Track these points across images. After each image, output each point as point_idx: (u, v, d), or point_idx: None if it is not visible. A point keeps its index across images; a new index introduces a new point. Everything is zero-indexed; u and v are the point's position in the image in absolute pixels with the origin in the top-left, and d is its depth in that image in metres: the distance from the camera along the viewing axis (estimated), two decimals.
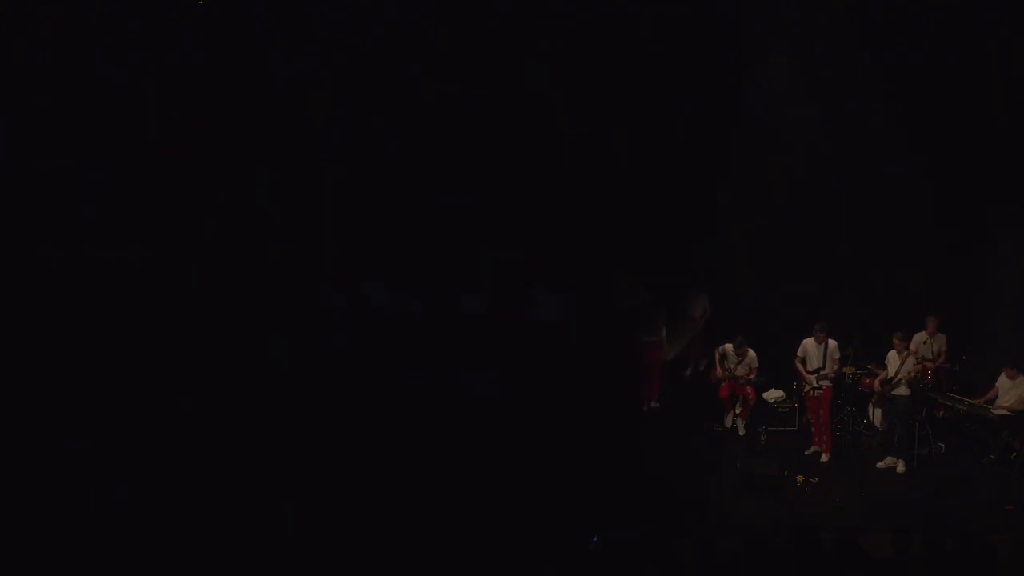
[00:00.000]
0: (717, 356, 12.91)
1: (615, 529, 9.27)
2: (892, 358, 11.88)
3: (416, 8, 13.32)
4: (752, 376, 12.70)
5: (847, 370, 12.56)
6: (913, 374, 11.61)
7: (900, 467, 11.67)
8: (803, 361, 12.25)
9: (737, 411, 12.91)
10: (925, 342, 12.21)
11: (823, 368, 12.05)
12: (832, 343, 12.09)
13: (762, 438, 12.63)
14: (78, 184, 13.04)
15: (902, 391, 11.71)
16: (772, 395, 13.07)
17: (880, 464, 11.81)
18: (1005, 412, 11.50)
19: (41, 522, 9.86)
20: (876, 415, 12.57)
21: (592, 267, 14.60)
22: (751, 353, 12.67)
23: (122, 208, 13.29)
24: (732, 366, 12.74)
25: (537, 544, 9.33)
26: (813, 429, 12.38)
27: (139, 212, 13.38)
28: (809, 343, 12.18)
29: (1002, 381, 11.63)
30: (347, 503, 10.50)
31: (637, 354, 13.35)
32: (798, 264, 14.07)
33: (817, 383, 12.06)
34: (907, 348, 11.84)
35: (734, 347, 12.66)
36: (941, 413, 12.20)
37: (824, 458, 12.09)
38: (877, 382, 12.10)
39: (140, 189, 13.37)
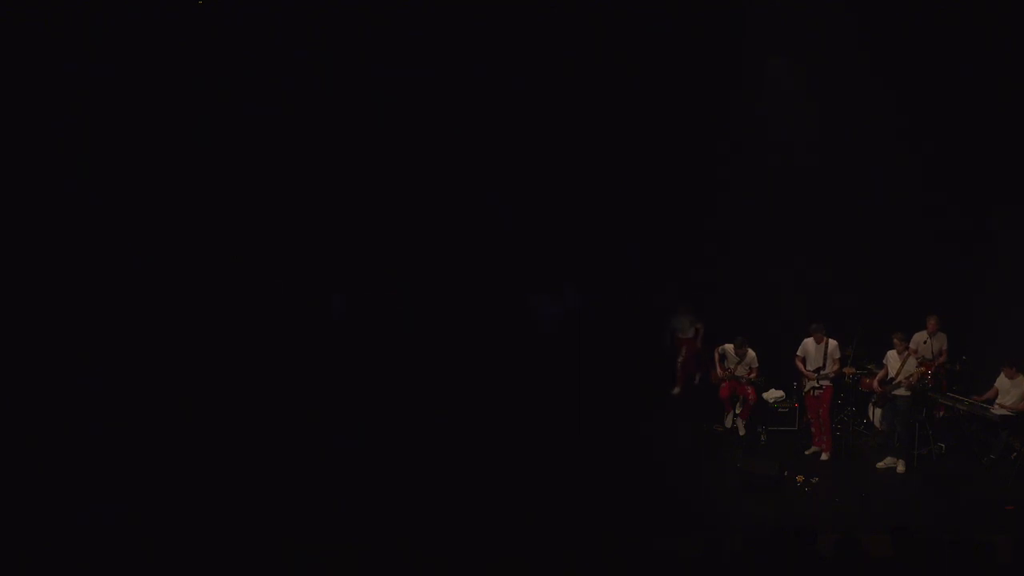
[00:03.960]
0: (717, 356, 12.90)
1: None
2: (891, 358, 11.87)
3: (415, 8, 13.31)
4: (752, 376, 12.69)
5: (847, 371, 12.56)
6: (915, 378, 11.61)
7: (900, 467, 11.67)
8: (803, 361, 12.25)
9: (737, 411, 12.91)
10: (925, 342, 12.21)
11: (823, 368, 12.06)
12: (832, 343, 12.09)
13: (762, 438, 12.64)
14: (76, 184, 13.03)
15: (902, 391, 11.71)
16: (772, 395, 13.06)
17: (880, 464, 11.81)
18: (1005, 412, 11.50)
19: (41, 521, 9.89)
20: (876, 415, 12.57)
21: (592, 267, 14.63)
22: (751, 353, 12.66)
23: (122, 208, 13.30)
24: (732, 366, 12.73)
25: (538, 544, 9.33)
26: (813, 429, 12.38)
27: (140, 212, 13.39)
28: (809, 343, 12.19)
29: (1001, 381, 11.62)
30: (347, 505, 10.53)
31: (673, 347, 14.24)
32: (798, 264, 14.07)
33: (818, 383, 12.06)
34: (907, 348, 11.84)
35: (734, 347, 12.65)
36: (941, 413, 12.20)
37: (824, 458, 12.08)
38: (876, 382, 12.09)
39: (139, 189, 13.37)
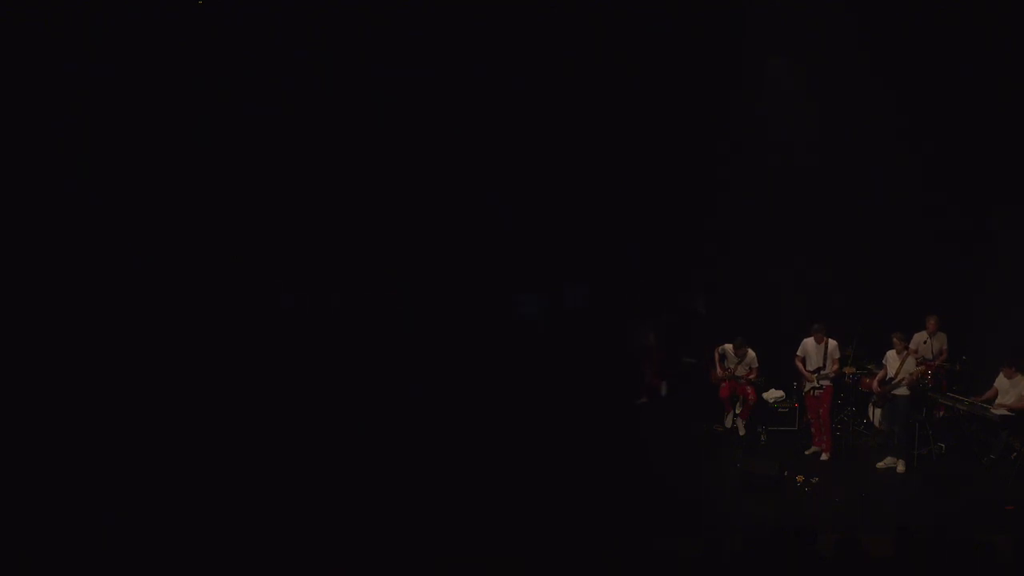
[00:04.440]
0: (717, 356, 12.90)
1: None
2: (891, 357, 11.87)
3: (415, 8, 13.31)
4: (752, 376, 12.70)
5: (847, 370, 12.56)
6: (915, 376, 11.61)
7: (900, 467, 11.67)
8: (803, 361, 12.26)
9: (737, 411, 12.91)
10: (925, 342, 12.21)
11: (823, 368, 12.06)
12: (832, 343, 12.10)
13: (762, 438, 12.64)
14: (76, 184, 13.02)
15: (902, 391, 11.71)
16: (772, 395, 13.07)
17: (880, 464, 11.81)
18: (1005, 412, 11.50)
19: (41, 521, 9.89)
20: (876, 415, 12.57)
21: (593, 267, 14.64)
22: (751, 353, 12.66)
23: (122, 208, 13.29)
24: (732, 366, 12.73)
25: (539, 544, 9.33)
26: (813, 429, 12.38)
27: (140, 213, 13.38)
28: (809, 343, 12.20)
29: (1000, 381, 11.63)
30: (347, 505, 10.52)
31: (642, 356, 14.10)
32: (798, 264, 14.08)
33: (818, 383, 12.07)
34: (907, 348, 11.84)
35: (734, 347, 12.66)
36: (941, 413, 12.20)
37: (824, 458, 12.09)
38: (875, 382, 12.09)
39: (139, 190, 13.36)
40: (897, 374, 11.72)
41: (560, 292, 14.61)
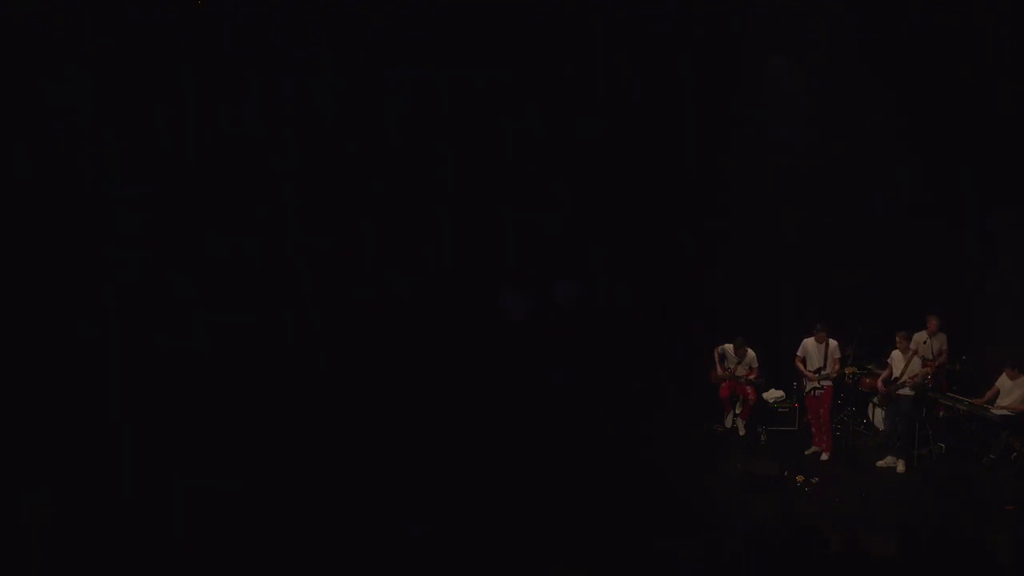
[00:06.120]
0: (717, 356, 12.91)
1: None
2: (896, 357, 11.87)
3: (415, 8, 13.31)
4: (752, 376, 12.70)
5: (848, 370, 12.57)
6: (919, 376, 11.61)
7: (900, 467, 11.68)
8: (803, 361, 12.26)
9: (737, 411, 12.92)
10: (925, 342, 12.21)
11: (824, 368, 12.07)
12: (833, 343, 12.11)
13: (762, 438, 12.65)
14: (75, 184, 13.02)
15: (907, 391, 11.70)
16: (772, 395, 13.08)
17: (880, 464, 11.82)
18: (1005, 412, 11.50)
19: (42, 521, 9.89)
20: (876, 415, 12.58)
21: (596, 267, 14.64)
22: (751, 353, 12.67)
23: (121, 209, 13.28)
24: (732, 366, 12.74)
25: (539, 544, 9.34)
26: (813, 429, 12.39)
27: (139, 213, 13.38)
28: (809, 343, 12.20)
29: (1003, 381, 11.62)
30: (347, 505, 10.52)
31: None
32: (798, 264, 14.08)
33: (819, 383, 12.07)
34: (910, 348, 11.85)
35: (734, 347, 12.67)
36: (941, 413, 12.21)
37: (824, 458, 12.09)
38: (880, 382, 12.09)
39: (138, 190, 13.35)
40: (902, 374, 11.72)
41: (551, 289, 14.61)
